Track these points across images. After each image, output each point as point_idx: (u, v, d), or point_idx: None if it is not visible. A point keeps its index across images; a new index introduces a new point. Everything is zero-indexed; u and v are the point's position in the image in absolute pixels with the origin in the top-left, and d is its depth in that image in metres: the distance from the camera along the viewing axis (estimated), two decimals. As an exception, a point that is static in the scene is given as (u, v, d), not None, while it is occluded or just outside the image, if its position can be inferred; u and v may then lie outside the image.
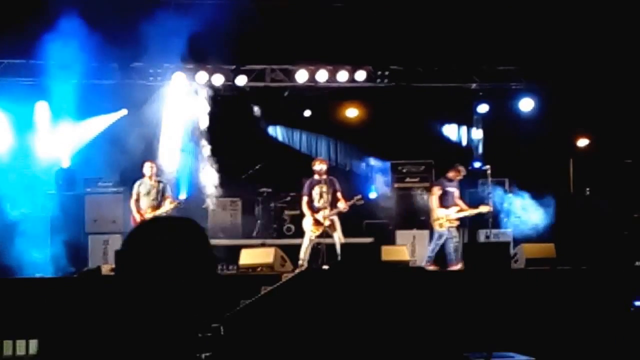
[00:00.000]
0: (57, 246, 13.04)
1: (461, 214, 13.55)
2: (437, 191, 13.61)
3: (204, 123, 15.26)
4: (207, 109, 15.24)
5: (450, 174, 13.67)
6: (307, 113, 16.15)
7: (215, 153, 15.71)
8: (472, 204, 13.77)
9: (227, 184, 15.69)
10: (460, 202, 13.65)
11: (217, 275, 2.46)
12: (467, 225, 14.35)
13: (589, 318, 10.07)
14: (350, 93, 16.10)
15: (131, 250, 2.45)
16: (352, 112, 16.45)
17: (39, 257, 12.58)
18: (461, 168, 13.74)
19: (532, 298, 10.42)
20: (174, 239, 2.40)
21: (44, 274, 12.02)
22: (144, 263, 2.39)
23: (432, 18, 14.69)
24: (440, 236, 13.46)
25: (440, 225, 13.47)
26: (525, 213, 14.21)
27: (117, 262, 2.62)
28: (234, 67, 15.21)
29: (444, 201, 13.53)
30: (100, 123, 15.18)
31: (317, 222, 12.79)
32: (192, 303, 2.38)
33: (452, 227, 13.46)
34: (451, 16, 14.65)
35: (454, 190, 13.62)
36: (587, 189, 15.79)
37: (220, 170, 15.85)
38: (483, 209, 13.53)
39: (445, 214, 13.45)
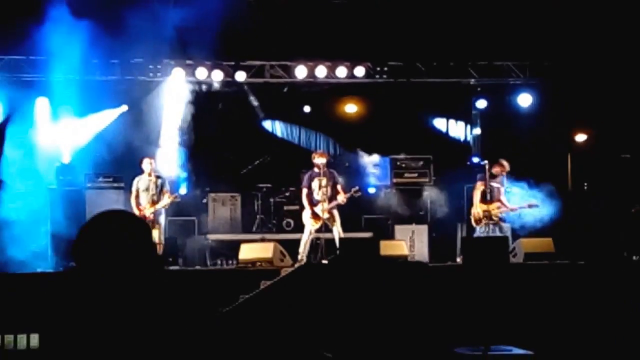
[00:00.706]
0: (57, 241, 13.08)
1: (501, 210, 13.20)
2: (479, 187, 13.27)
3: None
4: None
5: (495, 170, 13.29)
6: (307, 109, 16.19)
7: (214, 149, 15.76)
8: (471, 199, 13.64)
9: (227, 178, 15.75)
10: (503, 198, 13.32)
11: (161, 268, 2.70)
12: (465, 219, 14.38)
13: (587, 312, 10.12)
14: (349, 89, 16.13)
15: (78, 245, 2.60)
16: (351, 108, 16.47)
17: (39, 252, 12.63)
18: (505, 163, 13.34)
19: (531, 292, 10.45)
20: (117, 232, 2.58)
21: (44, 268, 12.07)
22: (90, 254, 2.55)
23: (430, 14, 14.70)
24: (474, 232, 13.34)
25: (476, 222, 13.26)
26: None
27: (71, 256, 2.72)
28: (232, 63, 15.24)
29: (487, 197, 13.19)
30: (101, 119, 15.21)
31: (316, 215, 12.84)
32: (136, 294, 2.53)
33: (491, 223, 13.14)
34: (449, 11, 14.66)
35: (498, 187, 13.23)
36: (585, 184, 15.83)
37: (219, 166, 15.93)
38: (529, 204, 13.26)
39: (478, 211, 13.18)
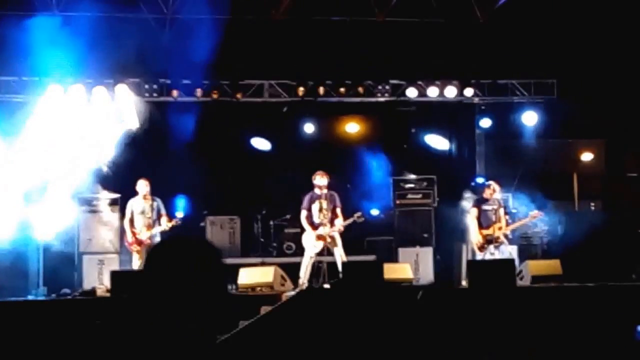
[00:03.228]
0: (50, 267, 12.78)
1: (505, 231, 12.98)
2: (473, 213, 13.15)
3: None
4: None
5: (486, 194, 13.18)
6: (309, 128, 15.88)
7: (214, 171, 15.53)
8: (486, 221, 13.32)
9: (225, 201, 15.50)
10: (507, 218, 13.12)
11: (228, 294, 2.63)
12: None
13: (596, 336, 9.85)
14: (350, 108, 15.94)
15: (150, 270, 2.57)
16: (352, 127, 16.28)
17: (31, 278, 12.33)
18: (494, 184, 13.22)
19: (539, 316, 10.19)
20: (190, 259, 2.53)
21: (36, 296, 11.77)
22: (160, 282, 2.51)
23: (431, 32, 14.61)
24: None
25: (479, 249, 13.02)
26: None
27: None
28: (228, 82, 15.06)
29: (484, 222, 13.02)
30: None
31: (316, 238, 12.54)
32: (204, 320, 2.51)
33: (498, 245, 12.87)
34: (453, 30, 14.57)
35: (494, 208, 13.03)
36: (592, 203, 15.63)
37: (219, 188, 15.67)
38: (532, 216, 13.14)
39: (478, 238, 12.98)
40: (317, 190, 12.71)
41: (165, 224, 12.69)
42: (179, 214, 13.67)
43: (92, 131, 14.15)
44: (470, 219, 13.19)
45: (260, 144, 16.04)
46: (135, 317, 2.52)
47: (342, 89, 15.24)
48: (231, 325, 9.61)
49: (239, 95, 15.06)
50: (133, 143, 14.29)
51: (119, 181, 14.01)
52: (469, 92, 15.48)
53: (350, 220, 12.64)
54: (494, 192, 13.13)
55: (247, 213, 15.54)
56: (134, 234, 12.62)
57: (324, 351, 8.82)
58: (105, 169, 14.32)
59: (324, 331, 9.11)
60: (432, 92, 15.35)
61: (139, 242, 12.63)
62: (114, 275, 11.54)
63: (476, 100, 15.85)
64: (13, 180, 13.10)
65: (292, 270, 12.74)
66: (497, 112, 15.94)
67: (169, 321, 2.47)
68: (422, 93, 15.40)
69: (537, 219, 13.37)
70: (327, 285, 11.98)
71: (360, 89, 15.35)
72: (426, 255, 14.46)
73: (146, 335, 2.49)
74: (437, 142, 16.38)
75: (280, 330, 9.37)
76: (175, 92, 14.85)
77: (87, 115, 14.13)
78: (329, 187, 12.78)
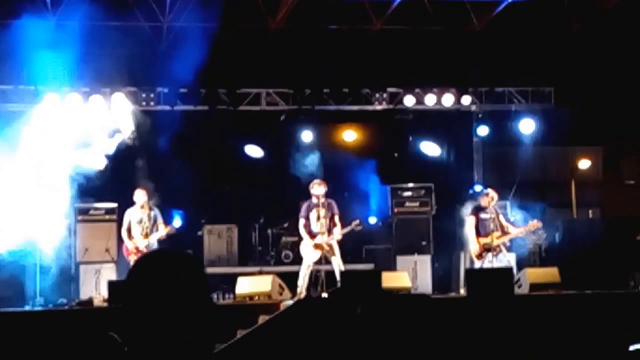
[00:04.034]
0: (47, 277, 12.72)
1: (504, 239, 12.89)
2: (471, 222, 13.06)
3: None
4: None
5: (483, 201, 13.09)
6: (306, 136, 15.82)
7: (212, 179, 15.49)
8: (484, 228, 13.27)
9: (223, 210, 15.45)
10: (505, 226, 12.99)
11: (213, 304, 2.63)
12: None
13: (594, 344, 9.83)
14: (347, 116, 15.92)
15: (131, 283, 2.60)
16: (350, 135, 16.25)
17: (28, 289, 12.26)
18: (491, 192, 13.14)
19: (537, 324, 10.17)
20: (172, 271, 2.56)
21: (32, 306, 11.71)
22: (142, 295, 2.54)
23: (428, 41, 14.61)
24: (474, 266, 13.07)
25: (477, 257, 12.94)
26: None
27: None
28: (225, 90, 15.03)
29: (482, 230, 12.93)
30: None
31: (315, 247, 12.50)
32: (188, 331, 2.52)
33: (496, 253, 12.80)
34: (447, 38, 14.58)
35: (492, 216, 12.93)
36: (590, 211, 15.60)
37: (216, 197, 15.62)
38: (532, 226, 13.07)
39: (476, 247, 12.91)
40: (314, 199, 12.67)
41: (162, 232, 12.66)
42: (176, 223, 13.66)
43: (88, 140, 14.12)
44: (468, 228, 13.15)
45: (255, 151, 15.96)
46: (128, 328, 2.54)
47: (339, 97, 15.24)
48: (229, 335, 9.57)
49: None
50: (130, 152, 14.25)
51: (115, 190, 13.95)
52: (466, 100, 15.47)
53: (348, 229, 12.60)
54: (492, 200, 13.09)
55: (245, 222, 15.49)
56: (133, 243, 12.58)
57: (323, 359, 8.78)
58: (101, 178, 14.29)
59: (322, 340, 9.07)
60: (430, 100, 15.34)
61: (137, 251, 12.58)
62: (111, 285, 11.50)
63: (473, 108, 15.84)
64: (10, 190, 13.05)
65: (290, 279, 12.69)
66: (495, 120, 15.93)
67: (158, 332, 2.50)
68: (419, 101, 15.39)
69: (535, 229, 13.29)
70: (325, 294, 11.93)
71: (358, 97, 15.34)
72: (424, 263, 14.42)
73: (142, 346, 2.51)
74: (435, 150, 16.35)
75: (279, 339, 9.33)
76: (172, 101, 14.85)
77: (84, 124, 14.09)
78: (327, 195, 12.76)
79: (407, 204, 15.00)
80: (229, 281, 13.07)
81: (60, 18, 13.35)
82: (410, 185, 15.16)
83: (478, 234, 12.95)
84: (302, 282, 12.49)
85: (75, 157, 13.84)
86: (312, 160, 15.27)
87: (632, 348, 8.87)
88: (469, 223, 13.11)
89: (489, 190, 13.26)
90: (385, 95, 15.50)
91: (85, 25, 12.91)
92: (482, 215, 13.00)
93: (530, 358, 9.03)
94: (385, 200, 15.24)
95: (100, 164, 13.90)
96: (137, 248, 12.58)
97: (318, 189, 12.66)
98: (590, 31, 14.49)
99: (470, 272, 12.22)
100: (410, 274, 13.75)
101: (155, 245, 12.77)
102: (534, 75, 15.29)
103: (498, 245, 12.83)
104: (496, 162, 16.00)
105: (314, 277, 12.73)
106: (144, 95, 14.70)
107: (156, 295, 2.52)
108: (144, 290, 2.54)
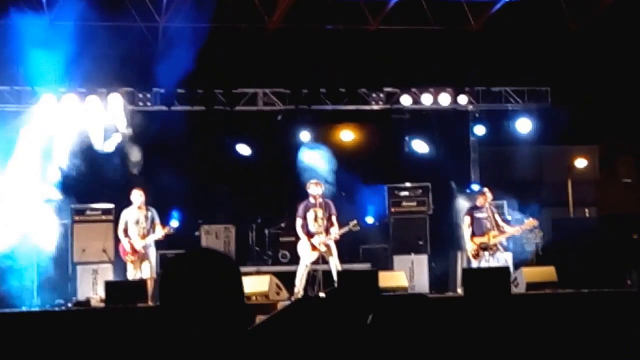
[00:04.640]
0: (44, 277, 12.70)
1: (500, 238, 12.88)
2: (467, 221, 13.08)
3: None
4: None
5: (479, 201, 13.10)
6: (304, 136, 15.79)
7: (209, 179, 15.47)
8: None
9: (220, 210, 15.43)
10: (502, 225, 13.01)
11: (246, 305, 2.64)
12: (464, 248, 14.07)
13: (591, 342, 9.84)
14: (345, 116, 15.91)
15: (167, 282, 2.57)
16: (347, 135, 16.24)
17: (25, 289, 12.24)
18: (487, 191, 13.12)
19: (534, 323, 10.18)
20: (208, 271, 2.54)
21: (30, 307, 11.69)
22: (178, 294, 2.52)
23: (425, 40, 14.62)
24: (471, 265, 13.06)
25: (474, 256, 12.95)
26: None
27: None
28: (221, 90, 15.02)
29: (478, 229, 12.94)
30: None
31: (313, 246, 12.49)
32: (223, 331, 2.51)
33: (493, 252, 12.81)
34: (444, 38, 14.58)
35: (487, 216, 12.93)
36: (587, 210, 15.62)
37: (214, 197, 15.61)
38: (528, 225, 13.07)
39: (472, 246, 12.93)
40: (311, 199, 12.66)
41: (159, 233, 12.61)
42: (174, 223, 13.63)
43: (84, 140, 14.12)
44: (464, 227, 13.16)
45: (245, 150, 15.88)
46: (161, 328, 2.52)
47: (336, 97, 15.24)
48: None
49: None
50: (126, 152, 14.24)
51: (112, 191, 13.93)
52: (462, 99, 15.47)
53: (345, 229, 12.58)
54: (487, 199, 13.11)
55: (242, 222, 15.47)
56: (130, 244, 12.55)
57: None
58: (96, 178, 14.27)
59: (319, 340, 9.07)
60: (426, 99, 15.35)
61: (134, 252, 12.56)
62: (108, 285, 11.49)
63: (470, 107, 15.85)
64: (7, 190, 13.03)
65: (287, 279, 12.65)
66: (491, 120, 15.93)
67: (193, 332, 2.48)
68: (416, 100, 15.40)
69: (531, 227, 13.30)
70: (322, 294, 11.93)
71: (355, 97, 15.34)
72: (421, 262, 14.40)
73: (173, 345, 2.50)
74: (431, 149, 16.35)
75: (275, 339, 9.33)
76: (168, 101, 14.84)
77: (80, 124, 14.08)
78: (324, 195, 12.75)
79: (404, 203, 14.98)
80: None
81: (56, 18, 13.34)
82: (408, 184, 15.15)
83: (473, 233, 12.95)
84: (300, 282, 12.48)
85: (71, 157, 13.85)
86: (310, 159, 15.23)
87: None
88: (464, 223, 13.12)
89: (485, 190, 13.26)
90: (382, 95, 15.50)
91: (81, 25, 12.90)
92: (478, 215, 13.01)
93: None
94: (382, 200, 15.23)
95: (95, 164, 13.91)
96: (133, 248, 12.54)
97: (315, 189, 12.65)
98: (586, 30, 14.51)
99: (467, 272, 12.23)
100: (407, 274, 13.73)
101: (151, 245, 12.73)
102: (531, 74, 15.30)
103: (495, 245, 12.83)
104: (493, 161, 16.01)
105: (311, 277, 12.72)
106: (140, 95, 14.70)
107: (192, 295, 2.50)
108: (180, 289, 2.51)
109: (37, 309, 11.78)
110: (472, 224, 12.98)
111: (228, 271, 2.58)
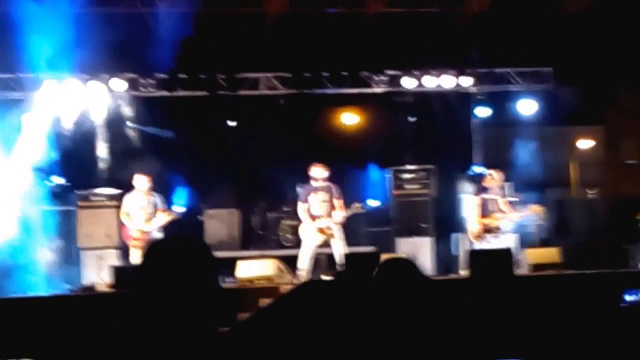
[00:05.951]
0: (49, 263, 12.73)
1: (502, 221, 12.86)
2: (474, 202, 13.05)
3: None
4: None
5: (486, 182, 13.07)
6: (304, 119, 15.81)
7: (212, 164, 15.48)
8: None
9: (224, 194, 15.45)
10: (505, 208, 12.96)
11: (220, 289, 2.68)
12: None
13: (597, 324, 9.85)
14: (347, 99, 15.89)
15: (140, 268, 2.62)
16: (349, 118, 16.23)
17: (30, 275, 12.27)
18: (495, 174, 13.11)
19: (538, 304, 10.19)
20: (181, 256, 2.59)
21: (35, 292, 11.71)
22: (150, 280, 2.56)
23: (427, 22, 14.57)
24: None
25: (475, 238, 12.94)
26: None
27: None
28: (224, 75, 15.00)
29: (484, 211, 12.91)
30: None
31: (317, 230, 12.49)
32: (196, 314, 2.55)
33: (495, 235, 12.82)
34: (446, 20, 14.54)
35: (495, 198, 12.92)
36: (591, 191, 15.59)
37: (217, 181, 15.63)
38: (533, 209, 13.08)
39: (477, 226, 12.92)
40: (314, 182, 12.65)
41: (163, 218, 12.62)
42: (178, 208, 13.65)
43: (87, 125, 14.13)
44: (470, 208, 13.14)
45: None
46: (135, 314, 2.57)
47: (338, 80, 15.23)
48: (229, 319, 9.59)
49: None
50: (129, 137, 14.26)
51: (116, 176, 13.95)
52: (465, 81, 15.44)
53: (349, 212, 12.58)
54: (495, 180, 13.09)
55: (246, 206, 15.49)
56: (132, 228, 12.56)
57: (325, 344, 8.81)
58: (102, 164, 14.30)
59: (325, 323, 9.09)
60: (429, 81, 15.32)
61: (138, 237, 12.57)
62: (116, 270, 11.51)
63: (473, 89, 15.82)
64: (11, 177, 13.03)
65: (291, 263, 12.66)
66: (494, 101, 15.91)
67: (165, 316, 2.52)
68: (418, 83, 15.37)
69: (536, 213, 13.28)
70: (326, 277, 11.94)
71: (357, 80, 15.32)
72: (425, 245, 14.40)
73: (147, 330, 2.53)
74: (435, 131, 16.32)
75: (280, 323, 9.35)
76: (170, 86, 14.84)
77: (82, 109, 14.09)
78: (327, 178, 12.74)
79: (407, 186, 14.94)
80: (231, 265, 13.09)
81: (55, 3, 13.30)
82: (411, 167, 15.12)
83: (480, 214, 12.95)
84: (304, 265, 12.49)
85: (75, 143, 13.89)
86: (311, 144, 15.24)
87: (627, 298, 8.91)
88: (472, 203, 13.09)
89: (492, 172, 13.24)
90: (384, 77, 15.48)
91: (81, 11, 12.86)
92: (485, 196, 13.02)
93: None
94: (385, 183, 15.23)
95: (99, 149, 13.93)
96: (141, 232, 12.53)
97: (317, 171, 12.64)
98: (589, 10, 14.45)
99: (471, 254, 12.23)
100: (410, 256, 13.74)
101: (156, 232, 12.73)
102: (533, 55, 15.25)
103: (498, 227, 12.85)
104: (496, 143, 15.98)
105: (314, 260, 12.73)
106: (142, 81, 14.71)
107: (164, 280, 2.54)
108: (152, 275, 2.56)
109: (43, 294, 11.79)
110: (480, 204, 12.97)
111: (202, 258, 2.61)
